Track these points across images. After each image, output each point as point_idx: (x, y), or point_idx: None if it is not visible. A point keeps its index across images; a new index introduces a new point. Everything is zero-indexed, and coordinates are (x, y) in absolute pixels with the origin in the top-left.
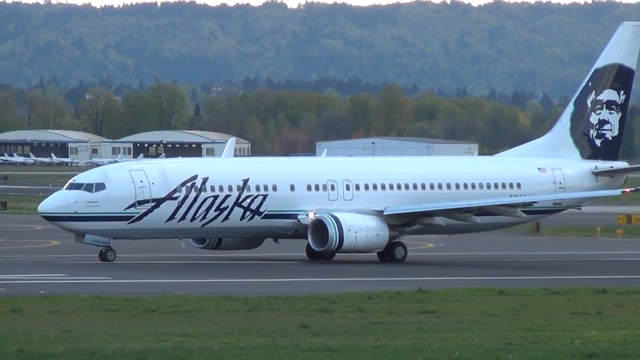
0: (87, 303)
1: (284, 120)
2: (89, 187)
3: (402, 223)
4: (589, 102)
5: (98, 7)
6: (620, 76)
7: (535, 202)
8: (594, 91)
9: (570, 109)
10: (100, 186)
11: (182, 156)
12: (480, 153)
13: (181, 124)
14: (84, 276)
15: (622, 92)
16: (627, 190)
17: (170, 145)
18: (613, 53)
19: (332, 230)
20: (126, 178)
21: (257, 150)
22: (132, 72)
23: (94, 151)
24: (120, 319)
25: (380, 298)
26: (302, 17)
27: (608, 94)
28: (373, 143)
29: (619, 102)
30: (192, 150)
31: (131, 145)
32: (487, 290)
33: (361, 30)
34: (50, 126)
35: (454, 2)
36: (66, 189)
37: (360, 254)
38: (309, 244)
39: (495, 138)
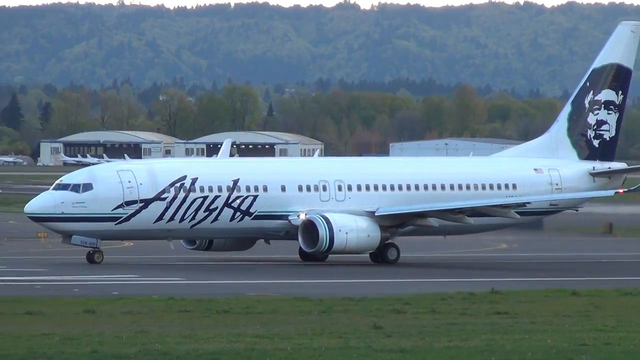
0: (160, 304)
1: (357, 121)
2: (76, 188)
3: (394, 224)
4: (586, 102)
5: (171, 8)
6: (619, 76)
7: (528, 203)
8: (591, 91)
9: (567, 109)
10: (88, 187)
11: (256, 157)
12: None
13: (254, 125)
14: (157, 277)
15: (620, 92)
16: (620, 190)
17: (243, 146)
18: (611, 53)
19: (323, 231)
20: (114, 178)
21: (331, 151)
22: (205, 73)
23: (167, 152)
24: (194, 320)
25: (453, 299)
26: (375, 18)
27: (606, 94)
28: (446, 144)
29: (617, 103)
30: (265, 151)
31: (204, 146)
32: (560, 291)
33: (434, 32)
34: (123, 127)
35: (527, 3)
36: (53, 189)
37: (352, 255)
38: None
39: None
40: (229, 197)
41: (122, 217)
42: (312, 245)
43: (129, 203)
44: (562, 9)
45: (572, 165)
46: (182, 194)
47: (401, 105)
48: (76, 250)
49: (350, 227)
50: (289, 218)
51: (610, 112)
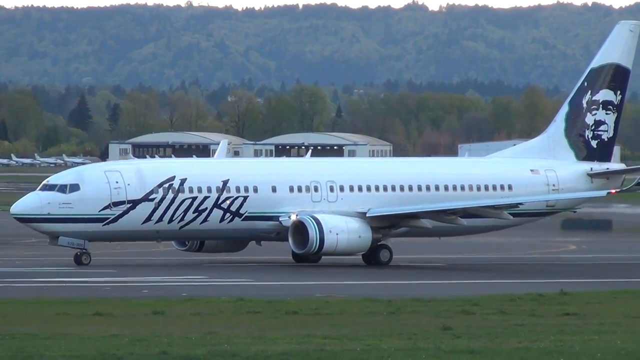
0: (229, 305)
1: (425, 122)
2: (62, 188)
3: (385, 225)
4: (584, 102)
5: (239, 9)
6: (617, 76)
7: (520, 204)
8: (589, 91)
9: (564, 109)
10: (75, 187)
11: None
12: (623, 155)
13: (323, 126)
14: (226, 278)
15: (618, 92)
16: (613, 191)
17: (312, 148)
18: (610, 52)
19: (313, 232)
20: (101, 179)
21: (399, 152)
22: (274, 74)
23: (236, 153)
24: (263, 321)
25: (522, 300)
26: (443, 19)
27: (604, 94)
28: (515, 145)
29: (616, 103)
30: (334, 152)
31: (273, 147)
32: (629, 292)
33: (502, 32)
34: (192, 128)
35: (595, 4)
36: (40, 190)
37: (343, 256)
38: None
39: (638, 140)
40: (218, 198)
41: (109, 218)
42: (302, 247)
43: (116, 204)
44: (630, 9)
45: (569, 166)
46: (170, 195)
47: (469, 107)
48: (141, 250)
49: (341, 228)
50: (280, 219)
51: (608, 112)
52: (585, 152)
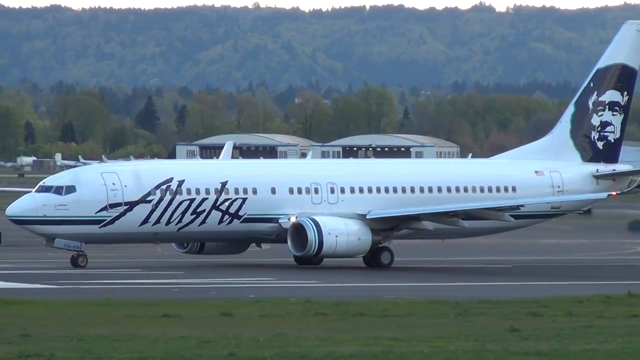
0: (297, 307)
1: (492, 124)
2: (58, 190)
3: (386, 227)
4: (590, 103)
5: (307, 10)
6: (624, 76)
7: (521, 206)
8: (595, 92)
9: (570, 110)
10: (71, 189)
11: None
12: None
13: (390, 127)
14: (294, 280)
15: (625, 92)
16: (613, 193)
17: (379, 149)
18: (616, 53)
19: (311, 234)
20: (98, 181)
21: (466, 153)
22: (341, 76)
23: (303, 155)
24: (330, 323)
25: (590, 302)
26: (510, 21)
27: (611, 95)
28: None
29: (622, 103)
30: (401, 153)
31: (340, 149)
32: None
33: (569, 34)
34: (259, 130)
35: None
36: (36, 191)
37: (343, 259)
38: None
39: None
40: (217, 200)
41: (106, 220)
42: (301, 249)
43: (113, 206)
44: None
45: (575, 168)
46: (168, 197)
47: (537, 108)
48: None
49: (340, 230)
50: (280, 221)
51: (615, 113)
52: (591, 153)
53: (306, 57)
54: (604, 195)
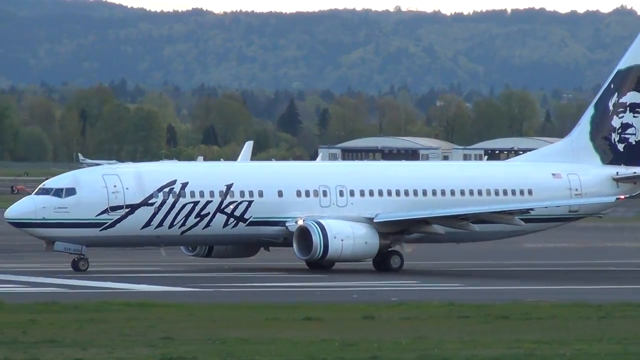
0: (439, 310)
1: None
2: (58, 192)
3: (395, 231)
4: (610, 105)
5: (448, 14)
6: None
7: (531, 210)
8: (616, 93)
9: (590, 112)
10: (71, 191)
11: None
12: None
13: (532, 131)
14: (436, 283)
15: None
16: (622, 197)
17: (521, 152)
18: (638, 54)
19: (316, 238)
20: (98, 183)
21: None
22: (483, 79)
23: (445, 158)
24: (473, 326)
25: None
26: None
27: (632, 97)
28: None
29: None
30: None
31: (482, 152)
32: None
33: None
34: (401, 133)
35: None
36: (35, 193)
37: (350, 262)
38: None
39: None
40: (221, 203)
41: (107, 223)
42: (306, 253)
43: (114, 208)
44: None
45: (594, 170)
46: (171, 199)
47: None
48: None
49: (346, 233)
50: (287, 224)
51: (636, 114)
52: (611, 155)
53: (447, 60)
54: (612, 199)
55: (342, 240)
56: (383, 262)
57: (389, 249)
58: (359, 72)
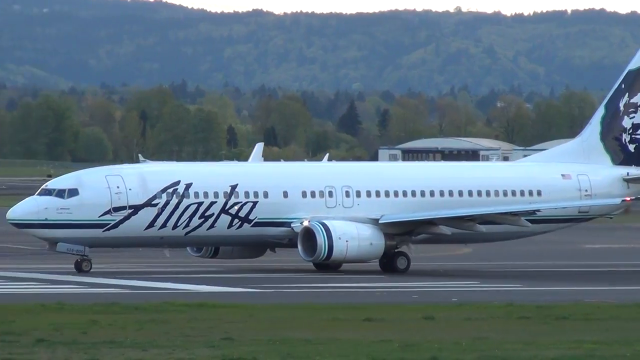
0: (499, 310)
1: None
2: (60, 193)
3: (400, 232)
4: (621, 105)
5: (508, 14)
6: None
7: (537, 211)
8: (627, 94)
9: (600, 112)
10: (73, 192)
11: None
12: None
13: None
14: (497, 283)
15: None
16: (628, 199)
17: None
18: None
19: (321, 239)
20: (101, 183)
21: None
22: (543, 80)
23: (505, 159)
24: (533, 327)
25: None
26: None
27: None
28: None
29: None
30: None
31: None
32: None
33: None
34: (461, 134)
35: None
36: (38, 194)
37: (355, 264)
38: None
39: None
40: (226, 203)
41: (110, 223)
42: (311, 254)
43: (117, 209)
44: None
45: (604, 171)
46: (174, 200)
47: None
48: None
49: (351, 234)
50: (292, 225)
51: None
52: (622, 156)
53: (508, 61)
54: (618, 201)
55: (346, 241)
56: (389, 263)
57: (396, 250)
58: (419, 73)
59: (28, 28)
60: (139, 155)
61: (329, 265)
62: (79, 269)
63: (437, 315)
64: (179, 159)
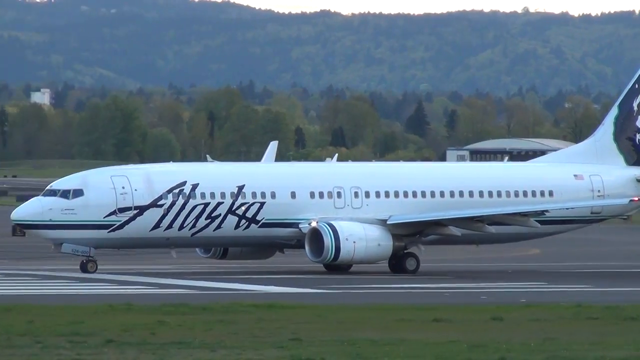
0: (568, 311)
1: None
2: (65, 194)
3: (409, 233)
4: (635, 105)
5: (576, 15)
6: None
7: (546, 211)
8: None
9: (614, 112)
10: (78, 192)
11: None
12: None
13: None
14: (564, 284)
15: None
16: (635, 198)
17: None
18: None
19: (328, 240)
20: (106, 184)
21: None
22: (610, 80)
23: None
24: (602, 327)
25: None
26: None
27: None
28: None
29: None
30: None
31: None
32: None
33: None
34: (529, 134)
35: None
36: (42, 195)
37: (364, 265)
38: None
39: None
40: (233, 204)
41: (115, 224)
42: (318, 255)
43: (122, 210)
44: None
45: (617, 171)
46: (181, 201)
47: None
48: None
49: (359, 235)
50: (300, 226)
51: None
52: (635, 156)
53: (576, 61)
54: (626, 201)
55: (354, 242)
56: (398, 264)
57: (405, 251)
58: (486, 74)
59: (96, 29)
60: (207, 155)
61: (338, 266)
62: (85, 270)
63: (505, 316)
64: (247, 159)
